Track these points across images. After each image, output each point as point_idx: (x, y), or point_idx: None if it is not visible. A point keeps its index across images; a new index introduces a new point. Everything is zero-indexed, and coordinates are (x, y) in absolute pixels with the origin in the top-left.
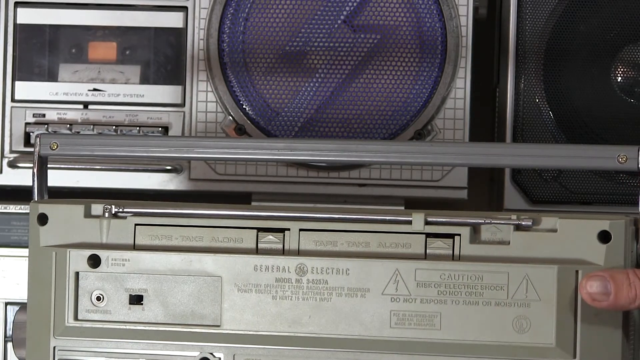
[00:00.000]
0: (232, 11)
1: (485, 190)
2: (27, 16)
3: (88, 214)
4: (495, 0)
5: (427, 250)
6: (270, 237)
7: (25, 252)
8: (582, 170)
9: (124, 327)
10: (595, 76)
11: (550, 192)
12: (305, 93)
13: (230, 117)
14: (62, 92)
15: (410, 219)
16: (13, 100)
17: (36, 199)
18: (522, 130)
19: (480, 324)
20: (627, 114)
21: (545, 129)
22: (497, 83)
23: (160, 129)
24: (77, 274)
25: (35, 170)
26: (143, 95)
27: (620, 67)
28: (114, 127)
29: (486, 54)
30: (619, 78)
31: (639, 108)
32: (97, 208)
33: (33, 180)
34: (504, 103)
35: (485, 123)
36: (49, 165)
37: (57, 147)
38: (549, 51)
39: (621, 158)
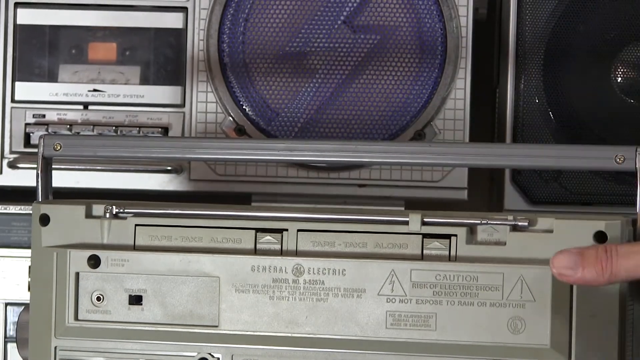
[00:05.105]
0: (232, 12)
1: (485, 191)
2: (27, 16)
3: (89, 215)
4: (495, 0)
5: (424, 251)
6: (268, 237)
7: (25, 252)
8: (581, 170)
9: (124, 327)
10: (595, 76)
11: (550, 193)
12: (305, 94)
13: (230, 118)
14: (62, 93)
15: (407, 219)
16: (13, 100)
17: (41, 200)
18: (522, 130)
19: (475, 325)
20: (627, 114)
21: (545, 129)
22: (497, 83)
23: (160, 129)
24: (77, 274)
25: (39, 171)
26: (143, 95)
27: (620, 67)
28: (114, 127)
29: (486, 54)
30: (619, 78)
31: (639, 108)
32: (98, 209)
33: (37, 182)
34: (504, 103)
35: (485, 123)
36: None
37: (60, 147)
38: (549, 51)
39: (619, 158)
